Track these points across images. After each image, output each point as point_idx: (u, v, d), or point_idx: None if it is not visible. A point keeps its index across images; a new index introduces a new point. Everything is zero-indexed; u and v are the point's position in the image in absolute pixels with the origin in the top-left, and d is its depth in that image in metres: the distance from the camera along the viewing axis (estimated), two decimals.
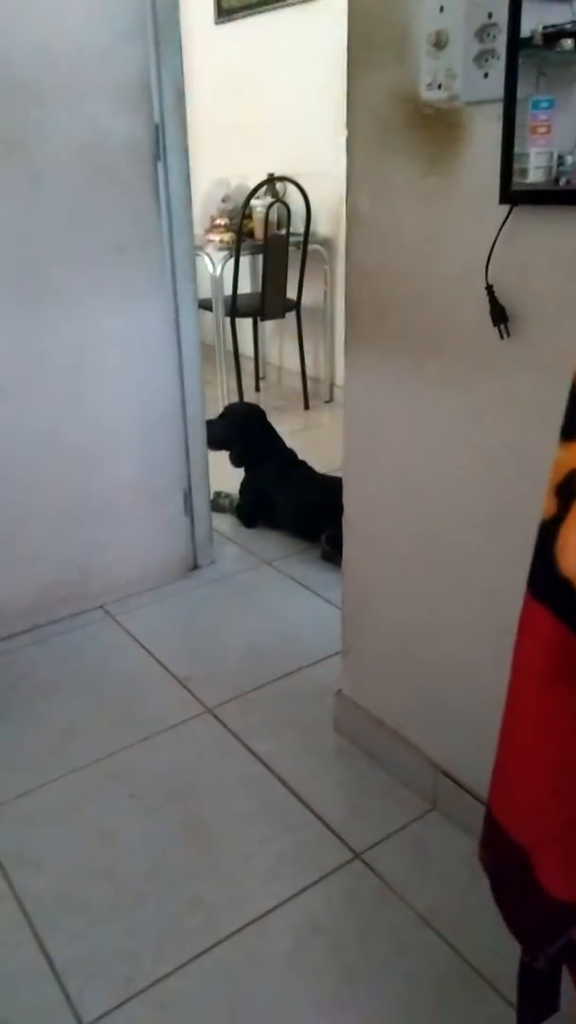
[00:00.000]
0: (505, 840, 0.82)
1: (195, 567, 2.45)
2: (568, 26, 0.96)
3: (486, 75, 1.09)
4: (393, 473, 1.44)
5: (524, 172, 1.05)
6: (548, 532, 0.73)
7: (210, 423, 2.72)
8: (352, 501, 1.56)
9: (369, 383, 1.44)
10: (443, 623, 1.43)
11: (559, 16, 0.97)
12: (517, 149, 1.05)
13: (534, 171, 1.04)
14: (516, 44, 1.01)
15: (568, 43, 0.97)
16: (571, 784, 0.76)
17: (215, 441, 2.70)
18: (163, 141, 2.01)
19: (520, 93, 1.03)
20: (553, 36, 0.98)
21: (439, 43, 1.13)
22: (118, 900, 1.38)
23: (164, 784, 1.62)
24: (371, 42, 1.25)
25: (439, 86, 1.15)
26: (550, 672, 0.74)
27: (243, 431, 2.74)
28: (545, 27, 1.00)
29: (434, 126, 1.19)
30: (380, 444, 1.45)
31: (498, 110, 1.06)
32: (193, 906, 1.36)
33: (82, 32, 1.82)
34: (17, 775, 1.65)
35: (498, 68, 1.06)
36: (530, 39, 1.01)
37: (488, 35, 1.08)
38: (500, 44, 1.06)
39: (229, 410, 2.87)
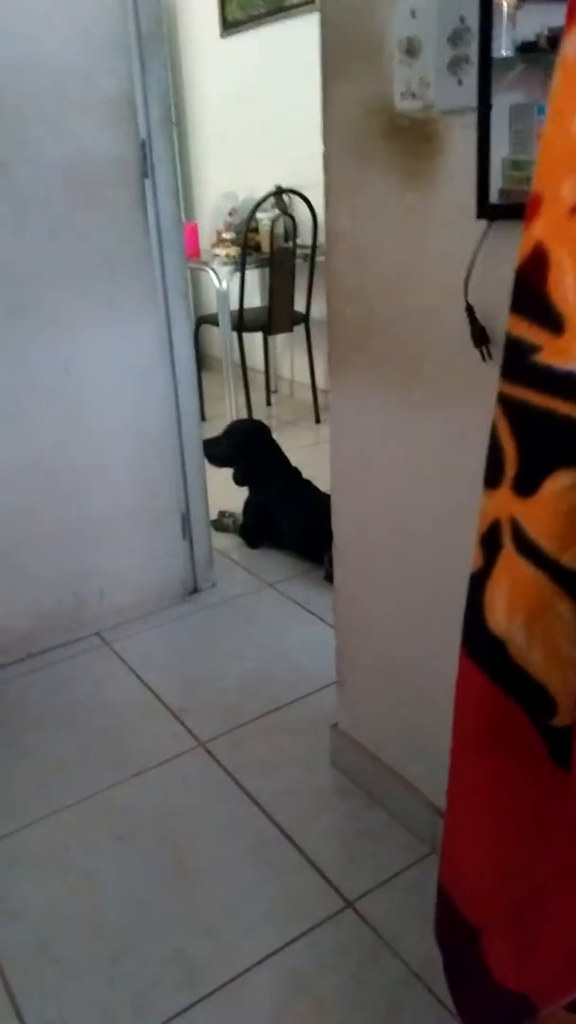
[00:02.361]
0: (457, 918, 0.75)
1: (195, 590, 2.39)
2: None
3: (460, 82, 1.02)
4: (381, 499, 1.37)
5: (529, 181, 0.98)
6: (477, 586, 0.66)
7: (213, 441, 2.67)
8: (341, 527, 1.49)
9: (354, 406, 1.37)
10: (436, 655, 1.35)
11: (563, 18, 0.90)
12: (523, 157, 0.99)
13: None
14: (488, 48, 0.95)
15: None
16: (517, 863, 0.69)
17: (217, 458, 2.65)
18: (150, 157, 1.97)
19: (524, 98, 0.96)
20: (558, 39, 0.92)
21: (411, 50, 1.06)
22: (98, 952, 1.32)
23: (152, 825, 1.56)
24: (344, 52, 1.18)
25: (413, 95, 1.08)
26: (486, 737, 0.68)
27: (246, 449, 2.69)
28: (551, 30, 0.94)
29: (410, 138, 1.12)
30: (367, 469, 1.38)
31: (474, 119, 1.00)
32: (175, 959, 1.30)
33: (62, 49, 1.77)
34: (1, 815, 1.60)
35: (472, 74, 1.00)
36: (535, 43, 0.95)
37: (461, 40, 1.01)
38: (473, 49, 0.99)
39: (232, 427, 2.81)
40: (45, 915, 1.39)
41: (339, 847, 1.49)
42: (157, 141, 1.98)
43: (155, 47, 1.91)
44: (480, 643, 0.67)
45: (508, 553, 0.64)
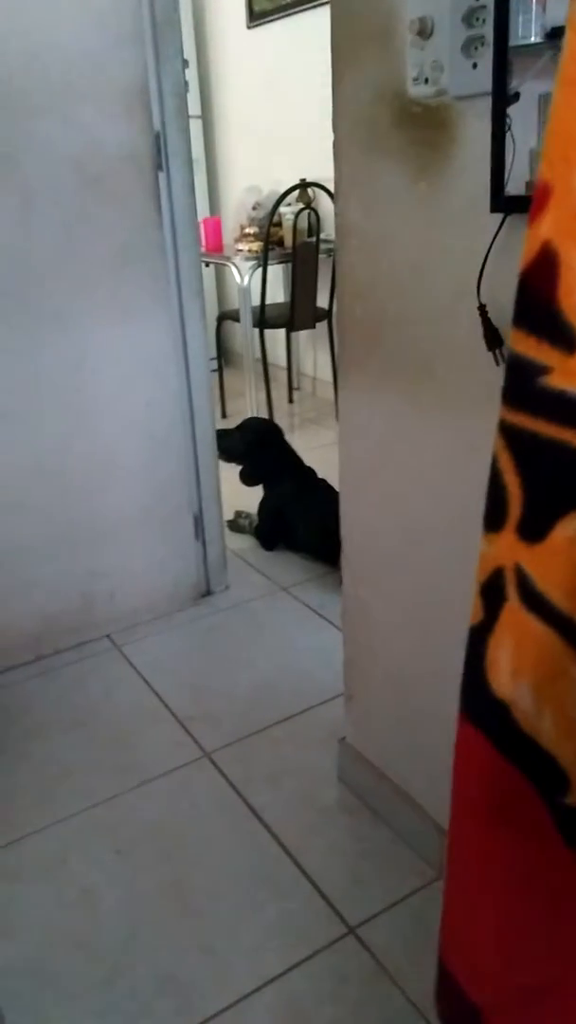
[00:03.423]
0: (458, 994, 0.68)
1: (208, 593, 2.34)
2: None
3: (475, 65, 0.95)
4: (391, 505, 1.31)
5: None
6: (477, 642, 0.58)
7: (225, 433, 2.61)
8: (349, 535, 1.43)
9: (364, 410, 1.30)
10: (448, 672, 1.28)
11: None
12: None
13: None
14: (505, 27, 0.88)
15: None
16: (522, 948, 0.62)
17: (226, 452, 2.59)
18: (164, 150, 1.91)
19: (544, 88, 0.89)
20: None
21: (424, 31, 0.99)
22: (91, 974, 1.27)
23: (152, 839, 1.51)
24: (354, 35, 1.12)
25: (425, 80, 1.02)
26: (488, 809, 0.60)
27: (256, 447, 2.62)
28: None
29: (423, 126, 1.05)
30: (377, 476, 1.32)
31: (489, 105, 0.93)
32: (169, 984, 1.25)
33: (73, 39, 1.72)
34: (1, 825, 1.56)
35: (488, 56, 0.93)
36: (563, 28, 0.87)
37: (477, 19, 0.94)
38: (489, 29, 0.92)
39: (245, 424, 2.75)
40: (39, 933, 1.35)
41: (343, 868, 1.43)
42: (172, 134, 1.92)
43: (171, 36, 1.86)
44: (481, 706, 0.58)
45: (513, 607, 0.55)
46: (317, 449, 2.68)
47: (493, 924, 0.63)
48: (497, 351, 1.00)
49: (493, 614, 0.56)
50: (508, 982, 0.64)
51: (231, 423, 2.78)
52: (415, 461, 1.23)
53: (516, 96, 0.93)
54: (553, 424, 0.52)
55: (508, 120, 0.93)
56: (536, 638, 0.54)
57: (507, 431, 0.56)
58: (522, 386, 0.54)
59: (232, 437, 2.63)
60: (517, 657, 0.55)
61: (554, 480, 0.52)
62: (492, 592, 0.56)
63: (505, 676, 0.56)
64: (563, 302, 0.51)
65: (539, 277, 0.53)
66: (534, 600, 0.53)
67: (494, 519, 0.56)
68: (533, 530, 0.53)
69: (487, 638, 0.57)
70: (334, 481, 2.51)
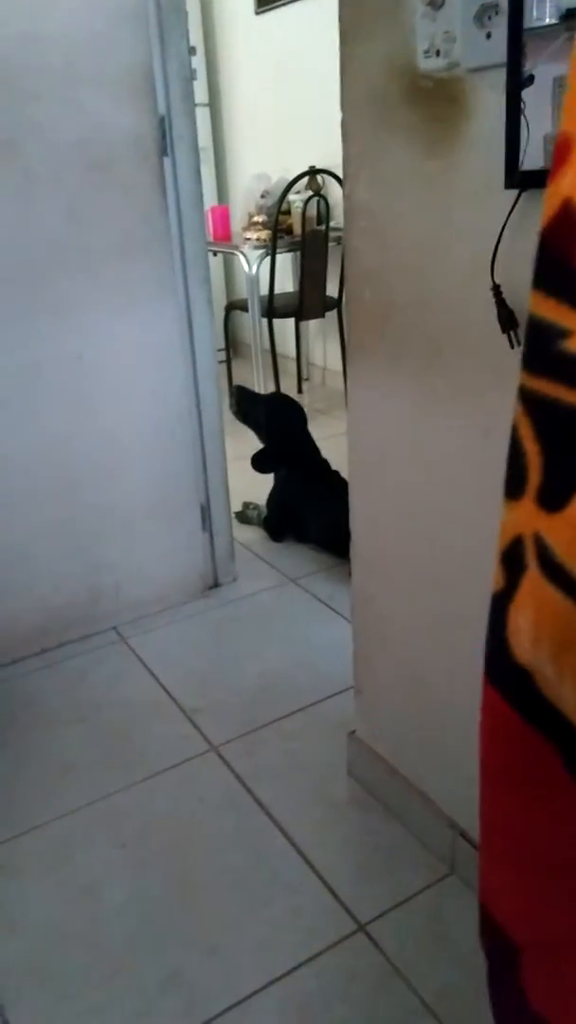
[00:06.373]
0: (499, 932, 0.66)
1: (215, 585, 2.32)
2: None
3: (488, 35, 0.92)
4: (401, 495, 1.28)
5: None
6: (499, 609, 0.56)
7: (252, 396, 2.59)
8: (358, 526, 1.40)
9: (373, 395, 1.27)
10: (459, 664, 1.26)
11: None
12: None
13: None
14: None
15: None
16: (549, 908, 0.60)
17: (246, 416, 2.57)
18: (170, 135, 1.88)
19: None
20: None
21: (435, 1, 0.96)
22: (93, 971, 1.25)
23: (157, 833, 1.49)
24: (363, 8, 1.08)
25: (437, 52, 0.98)
26: (511, 774, 0.58)
27: (278, 426, 2.57)
28: None
29: (434, 101, 1.02)
30: (386, 464, 1.29)
31: (503, 78, 0.89)
32: (174, 982, 1.23)
33: (75, 19, 1.69)
34: (4, 818, 1.55)
35: (502, 25, 0.89)
36: None
37: None
38: None
39: (273, 397, 2.69)
40: (42, 928, 1.33)
41: (352, 864, 1.41)
42: (177, 118, 1.89)
43: (175, 18, 1.82)
44: (504, 671, 0.57)
45: (533, 575, 0.53)
46: (327, 439, 2.64)
47: (519, 881, 0.62)
48: (512, 333, 0.97)
49: (514, 582, 0.54)
50: (538, 930, 0.62)
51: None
52: (426, 449, 1.20)
53: (531, 79, 0.89)
54: (574, 390, 0.49)
55: (522, 104, 0.89)
56: (555, 608, 0.52)
57: (527, 397, 0.53)
58: (542, 350, 0.52)
59: (257, 405, 2.59)
60: (537, 626, 0.53)
61: (574, 448, 0.50)
62: (512, 560, 0.54)
63: (526, 644, 0.54)
64: None
65: (560, 236, 0.50)
66: (554, 569, 0.51)
67: (514, 487, 0.54)
68: (553, 499, 0.51)
69: (508, 605, 0.55)
70: (346, 472, 2.49)
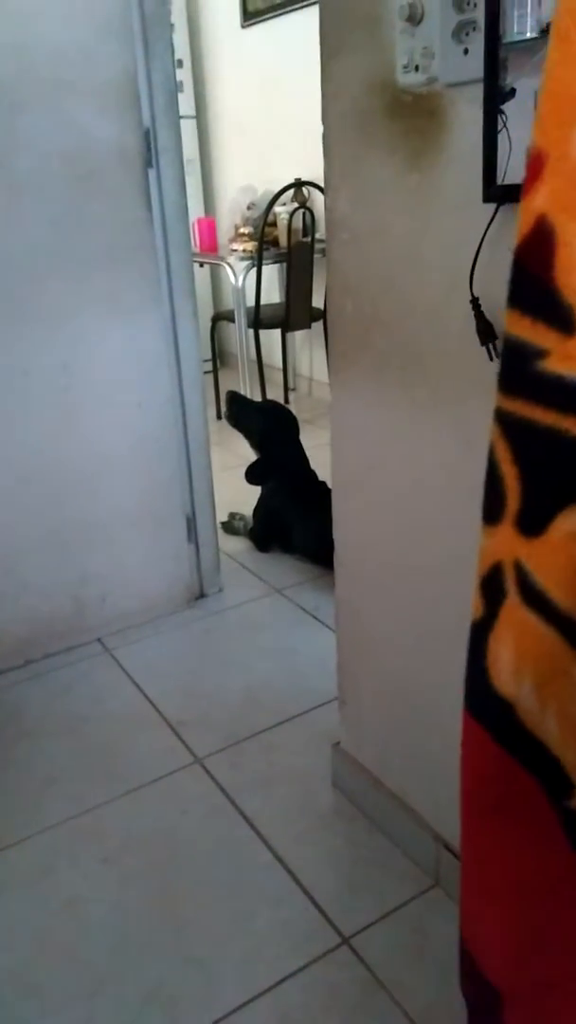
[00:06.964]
0: (479, 977, 0.65)
1: (201, 596, 2.31)
2: None
3: (466, 51, 0.93)
4: (384, 507, 1.28)
5: None
6: (478, 639, 0.56)
7: (245, 402, 2.59)
8: (342, 537, 1.40)
9: (355, 407, 1.28)
10: (444, 676, 1.26)
11: None
12: None
13: None
14: (497, 9, 0.85)
15: None
16: (533, 943, 0.59)
17: (238, 422, 2.58)
18: (154, 146, 1.88)
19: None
20: None
21: (413, 17, 0.97)
22: (75, 985, 1.24)
23: (141, 847, 1.48)
24: (342, 23, 1.09)
25: (416, 67, 0.99)
26: (497, 807, 0.57)
27: (271, 435, 2.57)
28: None
29: (414, 115, 1.03)
30: (369, 475, 1.29)
31: (480, 92, 0.90)
32: (157, 996, 1.22)
33: (60, 31, 1.70)
34: None
35: (479, 41, 0.90)
36: None
37: (468, 3, 0.91)
38: (480, 13, 0.89)
39: (267, 408, 2.69)
40: (24, 943, 1.31)
41: (337, 876, 1.40)
42: (162, 129, 1.90)
43: (160, 30, 1.83)
44: (484, 703, 0.56)
45: (513, 604, 0.52)
46: (313, 448, 2.64)
47: (503, 919, 0.61)
48: (491, 345, 0.97)
49: (493, 610, 0.54)
50: (522, 974, 0.61)
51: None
52: (409, 460, 1.20)
53: (512, 92, 0.90)
54: (551, 411, 0.49)
55: (503, 117, 0.90)
56: (536, 637, 0.51)
57: (503, 419, 0.53)
58: (518, 371, 0.51)
59: (250, 412, 2.59)
60: (518, 656, 0.52)
61: (552, 471, 0.49)
62: (492, 587, 0.54)
63: (507, 675, 0.53)
64: (560, 280, 0.48)
65: (534, 254, 0.49)
66: (534, 597, 0.51)
67: (492, 511, 0.53)
68: (532, 524, 0.50)
69: (488, 635, 0.54)
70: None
